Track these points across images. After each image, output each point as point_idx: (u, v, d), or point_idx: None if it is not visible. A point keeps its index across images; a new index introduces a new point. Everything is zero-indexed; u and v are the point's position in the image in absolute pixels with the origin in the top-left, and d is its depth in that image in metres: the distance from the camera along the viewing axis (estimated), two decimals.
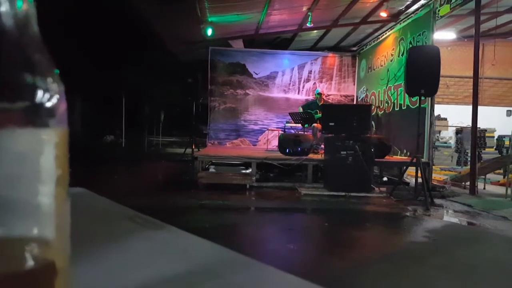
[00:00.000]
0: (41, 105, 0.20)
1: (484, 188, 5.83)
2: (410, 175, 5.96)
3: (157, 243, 0.50)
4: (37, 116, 0.20)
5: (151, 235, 0.52)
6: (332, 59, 9.48)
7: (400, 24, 7.19)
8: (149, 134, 12.85)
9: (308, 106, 7.65)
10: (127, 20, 9.86)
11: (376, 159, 5.60)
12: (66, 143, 0.21)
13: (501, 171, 6.66)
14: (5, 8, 0.19)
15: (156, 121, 13.01)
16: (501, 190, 5.55)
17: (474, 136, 5.74)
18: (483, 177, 5.99)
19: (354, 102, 9.29)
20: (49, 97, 0.20)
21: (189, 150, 7.83)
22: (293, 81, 9.41)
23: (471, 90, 5.83)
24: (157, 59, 12.56)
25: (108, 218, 0.60)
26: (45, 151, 0.20)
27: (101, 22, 11.83)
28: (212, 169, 6.49)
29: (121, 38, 12.75)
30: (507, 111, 10.12)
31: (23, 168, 0.19)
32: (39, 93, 0.20)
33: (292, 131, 7.65)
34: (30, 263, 0.19)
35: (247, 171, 6.09)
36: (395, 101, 7.22)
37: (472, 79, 5.77)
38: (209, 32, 7.59)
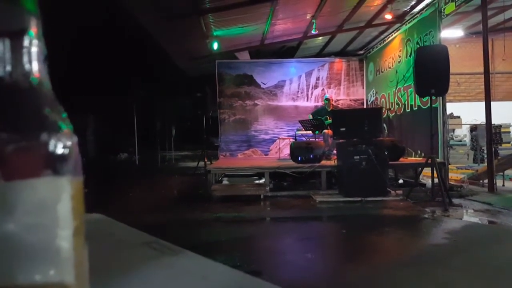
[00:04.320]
0: (56, 158, 0.21)
1: (503, 185, 5.69)
2: (426, 176, 5.86)
3: (176, 270, 0.49)
4: (53, 170, 0.21)
5: (170, 262, 0.51)
6: (339, 64, 9.47)
7: (406, 25, 7.15)
8: (161, 149, 12.96)
9: (318, 112, 7.63)
10: (136, 40, 10.07)
11: (390, 162, 5.53)
12: (81, 193, 0.22)
13: None
14: (21, 71, 0.21)
15: (168, 137, 13.13)
16: None
17: (489, 133, 5.63)
18: (502, 173, 5.85)
19: (364, 106, 9.22)
20: (63, 150, 0.21)
21: (201, 164, 7.86)
22: (301, 89, 9.42)
23: (483, 86, 5.74)
24: (166, 75, 12.75)
25: (126, 245, 0.60)
26: (62, 200, 0.21)
27: (111, 43, 12.09)
28: (225, 181, 6.50)
29: (130, 58, 13.00)
30: None
31: (42, 217, 0.20)
32: (54, 148, 0.21)
33: (303, 138, 7.62)
34: None
35: (261, 181, 6.07)
36: (406, 103, 7.15)
37: (483, 75, 5.69)
38: (215, 46, 7.69)
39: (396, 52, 7.60)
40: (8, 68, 0.20)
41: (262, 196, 5.49)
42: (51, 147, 0.21)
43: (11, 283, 0.19)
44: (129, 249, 0.57)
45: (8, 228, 0.19)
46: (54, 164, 0.21)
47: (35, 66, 0.21)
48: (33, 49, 0.21)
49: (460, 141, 9.58)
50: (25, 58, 0.21)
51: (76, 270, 0.22)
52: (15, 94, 0.20)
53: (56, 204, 0.21)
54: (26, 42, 0.21)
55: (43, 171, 0.20)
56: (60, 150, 0.21)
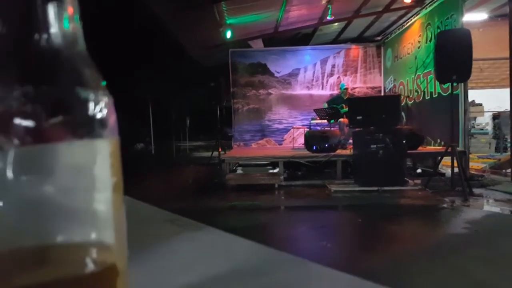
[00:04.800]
0: (94, 117, 0.21)
1: None
2: (446, 166, 5.70)
3: (200, 244, 0.51)
4: (91, 128, 0.20)
5: (194, 237, 0.54)
6: (356, 50, 9.25)
7: (426, 8, 6.91)
8: (176, 140, 13.08)
9: (333, 101, 7.50)
10: (150, 30, 10.10)
11: (408, 151, 5.40)
12: (119, 151, 0.23)
13: None
14: (55, 28, 0.20)
15: (183, 127, 13.23)
16: None
17: None
18: None
19: (382, 94, 9.02)
20: (101, 109, 0.21)
21: (216, 153, 7.89)
22: (316, 77, 9.26)
23: (508, 72, 5.51)
24: (180, 66, 12.78)
25: (151, 222, 0.62)
26: (101, 160, 0.21)
27: (125, 34, 12.18)
28: (239, 170, 6.50)
29: (145, 48, 13.09)
30: None
31: (82, 177, 0.20)
32: (92, 106, 0.21)
33: (318, 127, 7.52)
34: (93, 266, 0.20)
35: (275, 170, 6.05)
36: (425, 90, 6.94)
37: (508, 61, 5.45)
38: (228, 34, 7.61)
39: (415, 37, 7.36)
40: (43, 26, 0.20)
41: (276, 186, 5.47)
42: (89, 106, 0.20)
43: (50, 243, 0.19)
44: (154, 225, 0.60)
45: (46, 190, 0.19)
46: (92, 123, 0.20)
47: (68, 24, 0.21)
48: (65, 7, 0.21)
49: (482, 129, 9.30)
50: (59, 16, 0.20)
51: (115, 227, 0.22)
52: (50, 52, 0.20)
53: (95, 163, 0.21)
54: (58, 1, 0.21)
55: (81, 132, 0.20)
56: (98, 109, 0.21)
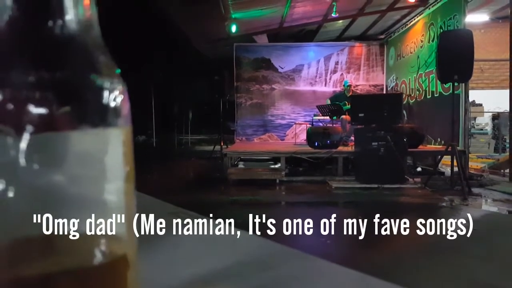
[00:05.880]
0: (108, 105, 0.20)
1: None
2: (445, 165, 5.77)
3: (205, 237, 0.50)
4: (105, 116, 0.20)
5: (198, 229, 0.53)
6: (359, 48, 9.28)
7: (429, 8, 6.93)
8: (178, 133, 13.08)
9: (336, 98, 7.55)
10: (154, 22, 10.06)
11: (409, 149, 5.46)
12: (131, 140, 0.22)
13: None
14: (70, 13, 0.20)
15: (185, 120, 13.21)
16: None
17: None
18: None
19: (384, 92, 9.06)
20: (115, 96, 0.21)
21: (218, 147, 7.93)
22: (319, 73, 9.29)
23: (508, 73, 5.56)
24: (184, 58, 12.73)
25: (154, 214, 0.60)
26: (114, 149, 0.21)
27: (129, 25, 12.12)
28: (241, 165, 6.55)
29: (149, 40, 13.03)
30: None
31: (95, 166, 0.20)
32: (106, 93, 0.20)
33: (320, 124, 7.57)
34: (104, 257, 0.20)
35: (276, 166, 6.10)
36: (427, 89, 6.99)
37: (508, 62, 5.50)
38: (233, 28, 7.63)
39: (418, 36, 7.40)
40: (58, 11, 0.19)
41: (277, 181, 5.50)
42: (103, 93, 0.20)
43: (61, 233, 0.19)
44: (157, 217, 0.58)
45: (58, 179, 0.19)
46: (107, 111, 0.20)
47: (84, 11, 0.21)
48: None
49: (481, 129, 9.35)
50: (75, 2, 0.20)
51: (127, 217, 0.21)
52: (64, 38, 0.19)
53: (108, 152, 0.20)
54: None
55: (96, 120, 0.20)
56: (112, 96, 0.20)
